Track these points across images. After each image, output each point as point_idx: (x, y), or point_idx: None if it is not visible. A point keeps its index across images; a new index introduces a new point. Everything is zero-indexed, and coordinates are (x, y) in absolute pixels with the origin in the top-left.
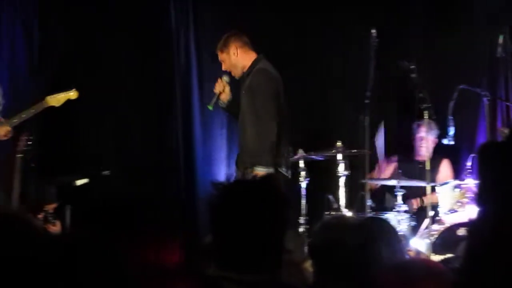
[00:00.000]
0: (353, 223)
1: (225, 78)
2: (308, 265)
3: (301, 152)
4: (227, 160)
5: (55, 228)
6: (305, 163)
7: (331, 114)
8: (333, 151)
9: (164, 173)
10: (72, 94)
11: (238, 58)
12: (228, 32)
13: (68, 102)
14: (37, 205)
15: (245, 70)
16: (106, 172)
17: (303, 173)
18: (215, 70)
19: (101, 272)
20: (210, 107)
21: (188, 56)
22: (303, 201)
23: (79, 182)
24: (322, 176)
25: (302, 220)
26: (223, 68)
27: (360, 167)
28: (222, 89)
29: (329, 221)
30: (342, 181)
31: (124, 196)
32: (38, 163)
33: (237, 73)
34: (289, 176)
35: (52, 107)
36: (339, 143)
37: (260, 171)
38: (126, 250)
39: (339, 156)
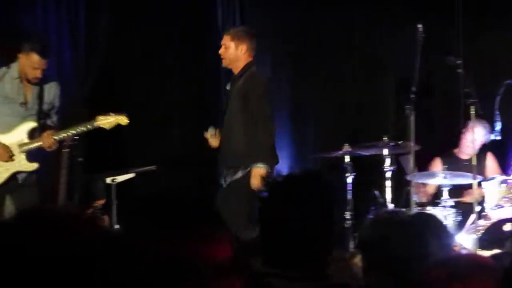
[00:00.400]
0: (403, 218)
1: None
2: (357, 260)
3: (346, 147)
4: None
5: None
6: (351, 158)
7: (377, 109)
8: (379, 146)
9: (209, 168)
10: (123, 119)
11: (242, 56)
12: (247, 28)
13: (116, 95)
14: (85, 200)
15: (237, 70)
16: (152, 167)
17: (349, 168)
18: (259, 67)
19: (164, 269)
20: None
21: None
22: (349, 196)
23: (125, 177)
24: (368, 171)
25: (347, 215)
26: (221, 52)
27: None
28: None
29: (379, 216)
30: (388, 176)
31: (171, 192)
32: (85, 158)
33: (230, 66)
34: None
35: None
36: (385, 138)
37: (261, 168)
38: (179, 246)
39: (385, 151)
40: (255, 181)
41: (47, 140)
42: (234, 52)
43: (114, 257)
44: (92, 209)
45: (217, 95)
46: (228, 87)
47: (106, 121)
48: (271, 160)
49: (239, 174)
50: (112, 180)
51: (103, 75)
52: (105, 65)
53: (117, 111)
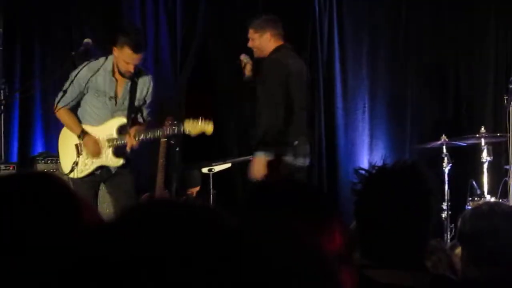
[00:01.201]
0: (505, 209)
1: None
2: (458, 252)
3: (444, 138)
4: (369, 146)
5: None
6: (448, 149)
7: (475, 99)
8: (477, 136)
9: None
10: (209, 129)
11: (268, 44)
12: (268, 16)
13: (211, 87)
14: (180, 189)
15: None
16: (249, 157)
17: (445, 159)
18: (358, 55)
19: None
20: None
21: (331, 43)
22: (446, 187)
23: (222, 167)
24: (466, 162)
25: (444, 206)
26: (250, 44)
27: (504, 153)
28: (244, 64)
29: (481, 208)
30: (485, 167)
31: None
32: (182, 148)
33: (262, 55)
34: (301, 165)
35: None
36: (482, 129)
37: (259, 156)
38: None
39: (483, 142)
40: (253, 170)
41: (130, 141)
42: (259, 42)
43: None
44: (186, 197)
45: (313, 84)
46: None
47: (192, 126)
48: (275, 147)
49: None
50: (209, 170)
51: (201, 65)
52: (203, 55)
53: (207, 112)
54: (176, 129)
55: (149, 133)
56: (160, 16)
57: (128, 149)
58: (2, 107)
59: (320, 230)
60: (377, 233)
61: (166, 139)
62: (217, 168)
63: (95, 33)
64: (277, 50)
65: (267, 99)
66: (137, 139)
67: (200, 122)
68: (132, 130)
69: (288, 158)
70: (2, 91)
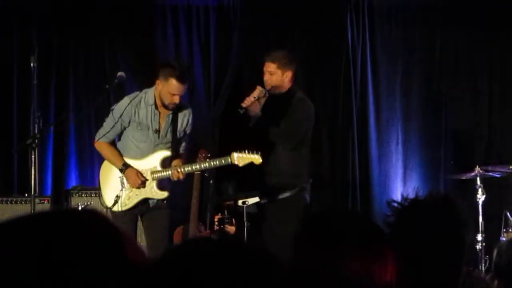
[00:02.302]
0: None
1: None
2: (496, 284)
3: (478, 169)
4: (403, 177)
5: (232, 228)
6: (482, 179)
7: (510, 129)
8: (511, 167)
9: (341, 189)
10: (257, 159)
11: (287, 82)
12: (291, 54)
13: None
14: (215, 199)
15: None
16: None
17: (480, 190)
18: (391, 86)
19: None
20: (241, 111)
21: (364, 75)
22: (480, 219)
23: (256, 199)
24: (500, 193)
25: (479, 237)
26: (267, 79)
27: None
28: (258, 97)
29: None
30: None
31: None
32: (217, 181)
33: (272, 90)
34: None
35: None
36: None
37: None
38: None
39: None
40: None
41: (175, 174)
42: (280, 79)
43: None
44: (221, 214)
45: (348, 115)
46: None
47: (241, 158)
48: (300, 185)
49: (287, 193)
50: (243, 203)
51: (234, 96)
52: (237, 87)
53: (252, 148)
54: (224, 162)
55: (202, 164)
56: (194, 47)
57: (174, 178)
58: (36, 140)
59: (377, 261)
60: (410, 265)
61: (200, 172)
62: (251, 200)
63: (128, 65)
64: (296, 89)
65: (288, 137)
66: (182, 170)
67: (248, 152)
68: (176, 162)
69: (307, 196)
70: (36, 125)
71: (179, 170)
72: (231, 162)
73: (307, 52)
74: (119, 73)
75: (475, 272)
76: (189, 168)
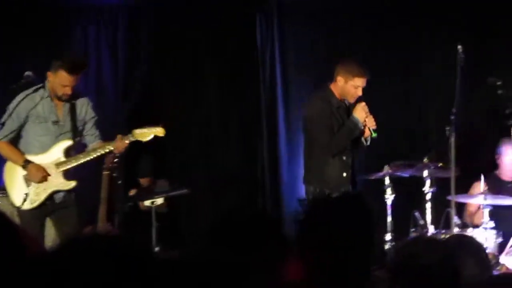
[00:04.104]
0: (434, 242)
1: None
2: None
3: (387, 169)
4: None
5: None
6: (391, 180)
7: (418, 130)
8: (420, 167)
9: (250, 190)
10: (159, 131)
11: None
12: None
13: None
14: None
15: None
16: (184, 191)
17: (388, 190)
18: (300, 87)
19: None
20: (375, 134)
21: (273, 75)
22: (389, 218)
23: (161, 200)
24: (409, 193)
25: (388, 237)
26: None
27: (447, 184)
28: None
29: (409, 241)
30: (428, 197)
31: (210, 215)
32: (125, 181)
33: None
34: None
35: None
36: (425, 160)
37: None
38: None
39: (425, 173)
40: None
41: (122, 144)
42: None
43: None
44: (137, 189)
45: (257, 115)
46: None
47: (142, 133)
48: None
49: None
50: (152, 203)
51: (143, 92)
52: (145, 82)
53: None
54: (126, 140)
55: (105, 146)
56: (102, 47)
57: (118, 151)
58: None
59: (280, 262)
60: (320, 261)
61: (108, 172)
62: (160, 201)
63: (37, 66)
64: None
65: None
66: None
67: (148, 128)
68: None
69: None
70: None
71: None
72: (134, 138)
73: (217, 52)
74: (26, 73)
75: (377, 272)
76: (98, 151)
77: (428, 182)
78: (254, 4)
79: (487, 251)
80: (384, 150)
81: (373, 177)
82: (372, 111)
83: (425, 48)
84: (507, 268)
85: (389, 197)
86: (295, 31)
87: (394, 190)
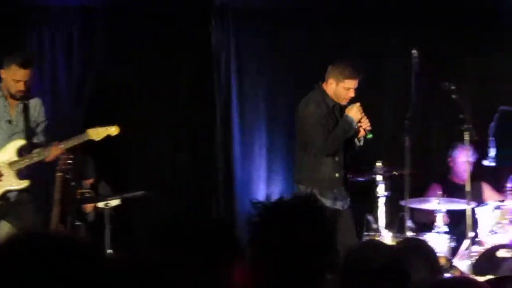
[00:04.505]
0: (383, 246)
1: None
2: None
3: None
4: (267, 180)
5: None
6: None
7: (372, 134)
8: (373, 171)
9: (204, 193)
10: (113, 130)
11: None
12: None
13: (108, 122)
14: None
15: None
16: (141, 193)
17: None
18: (255, 90)
19: None
20: (370, 135)
21: (228, 77)
22: None
23: (117, 202)
24: (362, 197)
25: None
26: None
27: (400, 188)
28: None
29: (357, 246)
30: (381, 201)
31: (164, 216)
32: (78, 182)
33: None
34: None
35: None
36: (379, 164)
37: None
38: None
39: (379, 177)
40: None
41: (54, 150)
42: None
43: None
44: (82, 188)
45: (211, 118)
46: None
47: (96, 132)
48: None
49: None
50: (106, 205)
51: (98, 93)
52: (99, 84)
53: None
54: (80, 139)
55: (61, 145)
56: (57, 48)
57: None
58: None
59: (226, 265)
60: (272, 263)
61: (62, 174)
62: (113, 202)
63: None
64: None
65: None
66: (61, 147)
67: (102, 127)
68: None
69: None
70: None
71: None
72: (87, 137)
73: (171, 54)
74: None
75: (330, 275)
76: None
77: (381, 186)
78: (210, 9)
79: (440, 255)
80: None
81: None
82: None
83: (380, 53)
84: (460, 272)
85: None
86: (251, 35)
87: (348, 194)
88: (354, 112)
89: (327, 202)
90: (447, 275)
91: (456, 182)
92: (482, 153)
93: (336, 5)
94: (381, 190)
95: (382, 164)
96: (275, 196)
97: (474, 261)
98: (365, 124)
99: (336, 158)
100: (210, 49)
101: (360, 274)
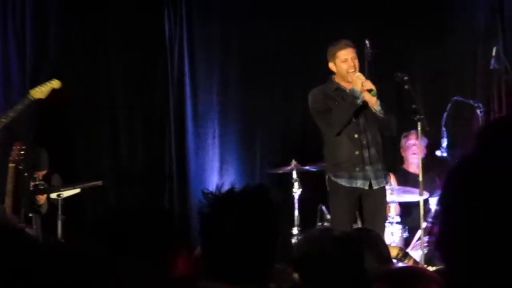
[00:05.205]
0: (337, 235)
1: None
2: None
3: (294, 163)
4: (220, 170)
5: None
6: (298, 174)
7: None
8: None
9: (157, 182)
10: (55, 83)
11: None
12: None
13: (62, 112)
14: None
15: None
16: (98, 183)
17: (296, 184)
18: (209, 81)
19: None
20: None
21: (181, 68)
22: (296, 212)
23: (71, 192)
24: (315, 187)
25: (295, 230)
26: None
27: None
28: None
29: (312, 234)
30: None
31: (118, 206)
32: (32, 173)
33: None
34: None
35: (40, 101)
36: None
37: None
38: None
39: None
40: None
41: None
42: None
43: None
44: (35, 181)
45: (164, 109)
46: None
47: (39, 90)
48: None
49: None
50: (58, 196)
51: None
52: (52, 72)
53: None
54: (26, 102)
55: (9, 113)
56: (9, 38)
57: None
58: None
59: (166, 255)
60: (223, 253)
61: (14, 165)
62: (66, 193)
63: None
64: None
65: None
66: None
67: (43, 84)
68: None
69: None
70: None
71: None
72: (33, 98)
73: (125, 44)
74: None
75: (280, 265)
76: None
77: None
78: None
79: (393, 245)
80: (292, 144)
81: (280, 171)
82: (286, 106)
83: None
84: (414, 261)
85: (297, 191)
86: (204, 24)
87: (301, 184)
88: (355, 82)
89: (343, 181)
90: (400, 264)
91: (410, 171)
92: (435, 144)
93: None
94: None
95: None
96: (227, 187)
97: (426, 251)
98: (367, 85)
99: (356, 136)
100: (164, 39)
101: (314, 263)
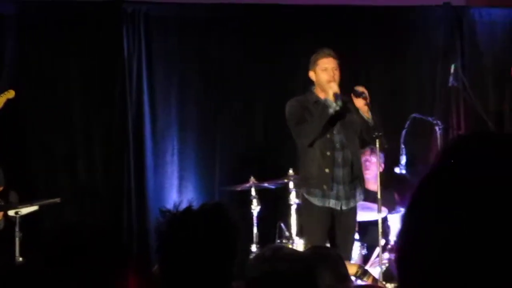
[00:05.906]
0: (288, 253)
1: None
2: None
3: (252, 180)
4: (179, 187)
5: None
6: (256, 191)
7: (284, 141)
8: (285, 179)
9: (116, 200)
10: (10, 93)
11: None
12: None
13: (17, 128)
14: None
15: None
16: (56, 200)
17: (254, 201)
18: (167, 98)
19: None
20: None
21: (140, 84)
22: (255, 229)
23: (29, 209)
24: (274, 204)
25: (253, 248)
26: (336, 75)
27: None
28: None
29: (264, 253)
30: (293, 209)
31: (76, 224)
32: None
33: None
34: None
35: None
36: (291, 171)
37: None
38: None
39: (291, 185)
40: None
41: None
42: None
43: None
44: None
45: (123, 125)
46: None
47: None
48: None
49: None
50: (16, 213)
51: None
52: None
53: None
54: None
55: None
56: None
57: None
58: None
59: (115, 272)
60: (180, 271)
61: None
62: (24, 210)
63: None
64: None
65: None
66: None
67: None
68: None
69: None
70: None
71: None
72: None
73: (82, 61)
74: None
75: (237, 283)
76: None
77: (294, 194)
78: (121, 15)
79: (352, 262)
80: (251, 161)
81: (239, 188)
82: (246, 123)
83: (294, 56)
84: (374, 279)
85: (255, 208)
86: (163, 40)
87: (260, 201)
88: (327, 92)
89: (315, 201)
90: (359, 282)
91: (369, 188)
92: (393, 161)
93: (246, 12)
94: (293, 197)
95: (294, 171)
96: (185, 204)
97: (384, 268)
98: (333, 87)
99: (328, 153)
100: (122, 55)
101: (269, 283)
